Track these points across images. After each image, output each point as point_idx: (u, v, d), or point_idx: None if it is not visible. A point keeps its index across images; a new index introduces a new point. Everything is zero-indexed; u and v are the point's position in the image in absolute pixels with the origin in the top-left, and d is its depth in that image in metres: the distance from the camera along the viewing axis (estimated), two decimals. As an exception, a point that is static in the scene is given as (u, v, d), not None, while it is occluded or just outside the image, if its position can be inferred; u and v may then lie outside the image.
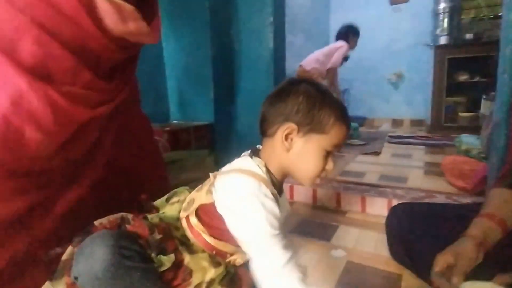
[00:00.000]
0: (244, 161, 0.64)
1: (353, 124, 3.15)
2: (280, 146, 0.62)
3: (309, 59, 2.60)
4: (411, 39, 3.08)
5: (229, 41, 1.56)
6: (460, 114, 3.09)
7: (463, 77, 3.08)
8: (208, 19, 1.44)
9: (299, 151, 0.62)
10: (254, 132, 1.65)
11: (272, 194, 0.60)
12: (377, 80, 3.39)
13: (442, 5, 3.09)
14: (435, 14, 3.17)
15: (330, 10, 4.15)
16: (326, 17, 4.11)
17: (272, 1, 1.41)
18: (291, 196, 1.50)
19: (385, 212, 1.25)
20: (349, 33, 2.72)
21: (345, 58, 2.78)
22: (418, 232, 0.86)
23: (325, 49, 2.66)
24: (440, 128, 3.09)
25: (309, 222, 1.26)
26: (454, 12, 3.06)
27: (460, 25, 3.07)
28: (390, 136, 2.93)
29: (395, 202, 1.23)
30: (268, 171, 0.63)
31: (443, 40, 3.09)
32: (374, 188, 1.41)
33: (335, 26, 4.15)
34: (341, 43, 2.67)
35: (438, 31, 3.11)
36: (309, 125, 0.61)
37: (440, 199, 1.28)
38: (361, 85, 4.06)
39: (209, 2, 1.43)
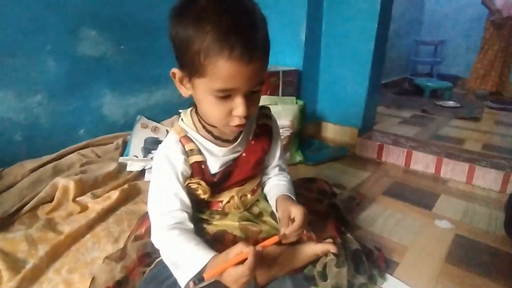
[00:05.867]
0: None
1: (446, 83, 2.77)
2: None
3: None
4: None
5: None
6: None
7: None
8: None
9: (195, 98, 0.54)
10: (341, 83, 1.53)
11: (201, 146, 0.59)
12: (480, 33, 2.80)
13: None
14: None
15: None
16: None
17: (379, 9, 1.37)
18: (379, 155, 1.39)
19: (497, 187, 1.11)
20: None
21: None
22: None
23: None
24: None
25: (402, 185, 1.16)
26: None
27: None
28: (491, 101, 2.52)
29: (514, 177, 1.07)
30: (200, 119, 0.59)
31: None
32: (485, 158, 1.22)
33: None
34: None
35: None
36: (187, 69, 0.50)
37: None
38: (460, 38, 3.47)
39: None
